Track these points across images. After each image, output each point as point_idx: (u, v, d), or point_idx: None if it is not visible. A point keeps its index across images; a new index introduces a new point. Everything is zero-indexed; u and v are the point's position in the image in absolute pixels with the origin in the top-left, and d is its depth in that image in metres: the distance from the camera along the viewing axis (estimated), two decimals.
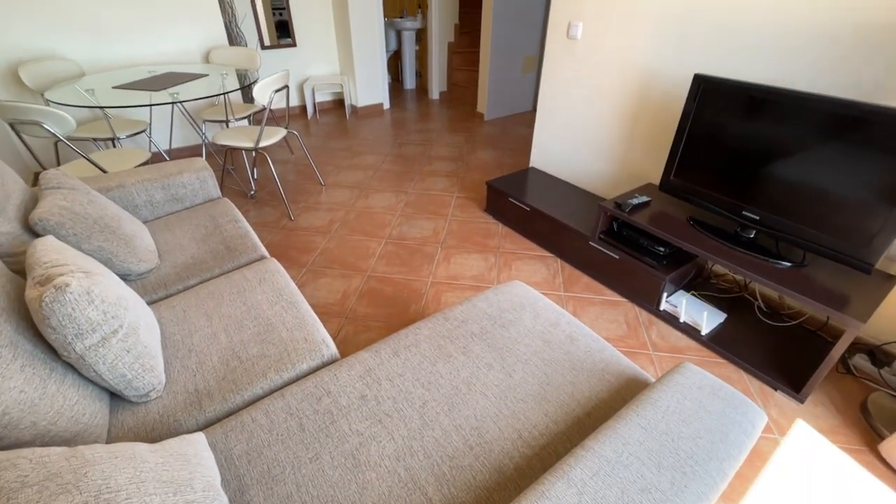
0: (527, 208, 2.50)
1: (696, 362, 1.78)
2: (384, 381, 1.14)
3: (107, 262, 1.48)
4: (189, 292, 1.49)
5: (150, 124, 3.22)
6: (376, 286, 2.19)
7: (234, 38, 3.89)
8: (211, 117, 3.09)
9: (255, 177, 3.25)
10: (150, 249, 1.64)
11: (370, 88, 4.68)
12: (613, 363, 1.22)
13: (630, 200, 2.00)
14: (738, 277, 2.11)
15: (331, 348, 1.29)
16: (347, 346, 1.85)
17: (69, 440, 0.94)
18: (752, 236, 1.81)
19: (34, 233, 1.37)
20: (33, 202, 1.52)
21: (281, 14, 4.26)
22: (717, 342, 1.83)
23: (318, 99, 4.79)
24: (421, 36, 5.39)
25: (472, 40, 5.28)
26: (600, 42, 2.29)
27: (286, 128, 2.88)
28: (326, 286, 2.19)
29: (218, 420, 1.12)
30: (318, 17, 4.39)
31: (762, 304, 2.00)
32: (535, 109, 4.89)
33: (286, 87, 2.63)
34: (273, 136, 2.69)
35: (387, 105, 4.91)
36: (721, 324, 1.91)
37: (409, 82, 5.65)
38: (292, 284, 1.53)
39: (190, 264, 1.64)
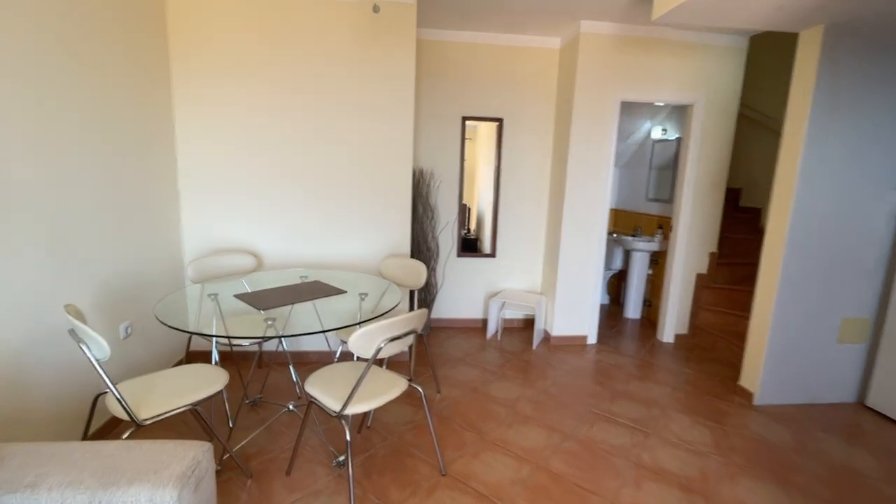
0: None
1: None
2: None
3: None
4: None
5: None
6: None
7: (425, 245, 3.56)
8: (346, 337, 2.47)
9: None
10: None
11: (572, 316, 3.58)
12: None
13: None
14: None
15: None
16: None
17: None
18: None
19: None
20: None
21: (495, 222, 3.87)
22: None
23: (506, 315, 3.95)
24: (658, 259, 4.20)
25: (734, 275, 3.75)
26: None
27: (409, 381, 1.94)
28: None
29: None
30: (527, 228, 3.82)
31: None
32: (863, 403, 2.75)
33: (413, 331, 1.75)
34: (380, 396, 1.77)
35: (592, 339, 3.65)
36: None
37: (633, 311, 4.33)
38: None
39: None
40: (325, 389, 1.78)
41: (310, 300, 2.09)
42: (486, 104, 3.60)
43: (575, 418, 2.52)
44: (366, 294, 2.27)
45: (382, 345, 1.63)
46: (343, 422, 1.70)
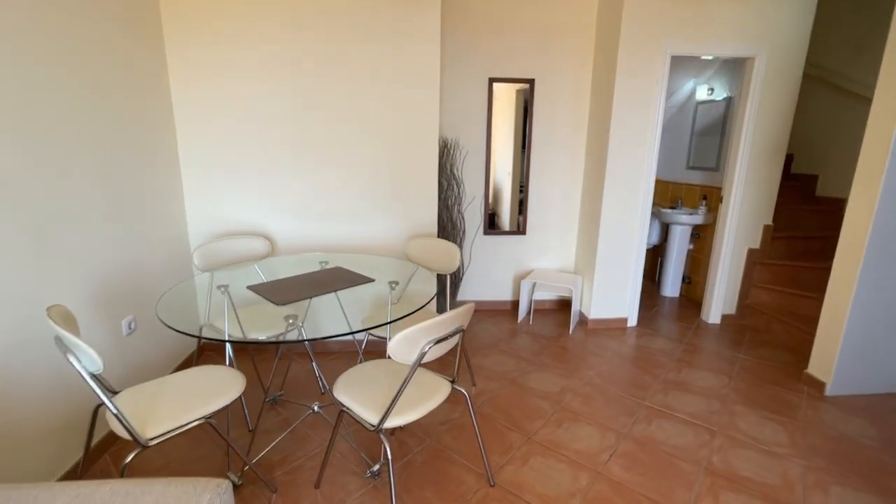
0: None
1: None
2: None
3: None
4: None
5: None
6: None
7: (451, 222, 3.26)
8: (379, 333, 2.21)
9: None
10: None
11: (611, 297, 3.29)
12: None
13: None
14: None
15: None
16: None
17: None
18: None
19: None
20: None
21: (521, 191, 3.54)
22: None
23: (538, 296, 3.68)
24: (702, 233, 3.87)
25: (792, 250, 3.42)
26: None
27: (452, 382, 1.69)
28: None
29: None
30: (559, 202, 3.49)
31: None
32: None
33: (459, 330, 1.48)
34: (422, 404, 1.52)
35: (633, 321, 3.37)
36: None
37: (670, 289, 4.03)
38: None
39: None
40: (358, 398, 1.53)
41: (333, 291, 1.83)
42: (516, 64, 3.21)
43: (628, 414, 2.27)
44: (395, 283, 2.00)
45: (427, 349, 1.36)
46: (381, 435, 1.45)
